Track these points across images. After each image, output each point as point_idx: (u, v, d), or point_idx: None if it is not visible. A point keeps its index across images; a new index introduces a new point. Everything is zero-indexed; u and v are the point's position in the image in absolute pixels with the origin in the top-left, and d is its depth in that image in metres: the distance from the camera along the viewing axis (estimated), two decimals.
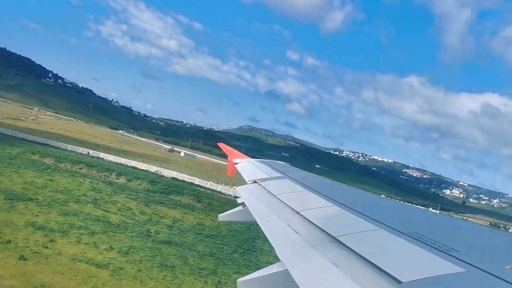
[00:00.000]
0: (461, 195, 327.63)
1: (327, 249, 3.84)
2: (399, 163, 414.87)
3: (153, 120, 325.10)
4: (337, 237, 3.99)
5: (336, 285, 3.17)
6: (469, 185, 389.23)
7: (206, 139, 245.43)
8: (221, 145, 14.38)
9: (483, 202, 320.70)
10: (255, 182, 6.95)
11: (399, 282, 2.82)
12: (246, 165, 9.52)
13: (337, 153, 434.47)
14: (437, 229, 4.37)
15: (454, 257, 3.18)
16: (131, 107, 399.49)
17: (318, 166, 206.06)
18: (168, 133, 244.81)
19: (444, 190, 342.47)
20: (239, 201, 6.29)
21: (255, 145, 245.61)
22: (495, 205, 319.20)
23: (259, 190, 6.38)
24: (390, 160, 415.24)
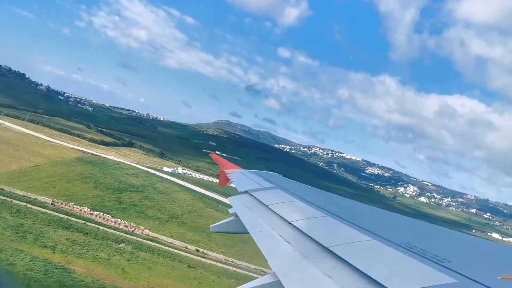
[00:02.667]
0: (414, 193, 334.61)
1: (319, 260, 3.85)
2: (366, 161, 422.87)
3: (79, 105, 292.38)
4: (329, 248, 4.00)
5: None
6: (433, 184, 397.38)
7: (134, 128, 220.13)
8: (213, 156, 14.20)
9: (433, 200, 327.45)
10: (247, 192, 6.95)
11: None
12: (238, 176, 9.55)
13: (306, 149, 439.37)
14: (429, 240, 4.40)
15: (447, 267, 3.20)
16: (48, 86, 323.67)
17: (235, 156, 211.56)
18: (92, 119, 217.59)
19: (398, 188, 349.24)
20: (230, 211, 6.27)
21: (188, 134, 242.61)
22: (444, 204, 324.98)
23: (251, 200, 6.37)
24: (358, 158, 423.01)
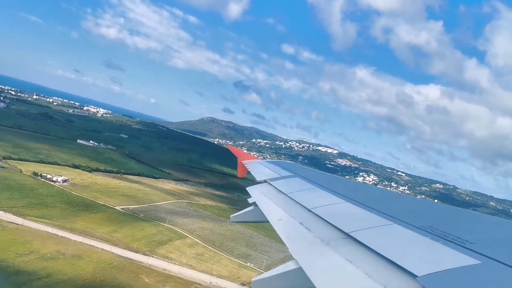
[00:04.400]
0: (371, 182, 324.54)
1: (340, 246, 3.88)
2: (340, 153, 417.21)
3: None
4: (350, 233, 4.03)
5: (351, 281, 3.22)
6: (406, 174, 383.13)
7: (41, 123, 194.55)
8: (231, 147, 14.74)
9: (391, 187, 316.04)
10: (266, 181, 7.05)
11: (415, 276, 2.86)
12: (256, 166, 9.69)
13: (282, 143, 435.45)
14: (450, 222, 4.31)
15: (469, 249, 3.19)
16: None
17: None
18: None
19: (358, 177, 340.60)
20: (250, 201, 6.38)
21: (105, 127, 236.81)
22: (399, 191, 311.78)
23: (270, 189, 6.45)
24: (334, 151, 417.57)
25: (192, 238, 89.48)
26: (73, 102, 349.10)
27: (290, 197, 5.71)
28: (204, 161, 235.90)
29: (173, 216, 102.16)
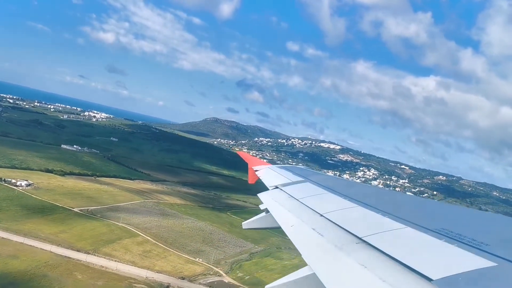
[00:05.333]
0: (371, 176, 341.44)
1: (354, 251, 3.97)
2: (344, 148, 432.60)
3: None
4: (363, 238, 4.12)
5: (366, 286, 3.29)
6: (410, 167, 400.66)
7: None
8: (241, 153, 14.63)
9: (391, 180, 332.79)
10: (277, 187, 7.10)
11: (430, 280, 2.93)
12: (266, 172, 9.74)
13: (284, 141, 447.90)
14: (464, 224, 4.41)
15: (485, 251, 3.27)
16: None
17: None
18: None
19: (357, 172, 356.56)
20: (262, 207, 6.43)
21: (96, 132, 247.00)
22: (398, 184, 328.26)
23: (281, 195, 6.51)
24: (337, 147, 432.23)
25: (144, 236, 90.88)
26: (75, 108, 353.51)
27: (301, 203, 5.77)
28: (194, 161, 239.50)
29: (132, 215, 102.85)
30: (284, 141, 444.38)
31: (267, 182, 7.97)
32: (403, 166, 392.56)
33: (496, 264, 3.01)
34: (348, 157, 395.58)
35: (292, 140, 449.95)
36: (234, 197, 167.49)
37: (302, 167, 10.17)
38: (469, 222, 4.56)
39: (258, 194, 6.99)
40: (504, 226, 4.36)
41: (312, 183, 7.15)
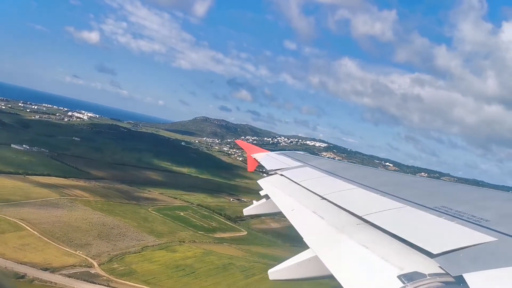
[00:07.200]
0: None
1: (354, 232, 4.14)
2: (329, 145, 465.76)
3: None
4: (363, 216, 4.32)
5: (368, 267, 3.40)
6: (395, 164, 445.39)
7: None
8: (239, 142, 14.66)
9: None
10: (276, 173, 7.23)
11: (431, 255, 3.08)
12: (266, 158, 9.96)
13: (270, 139, 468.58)
14: (464, 201, 4.62)
15: (485, 227, 3.46)
16: None
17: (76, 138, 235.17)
18: None
19: None
20: (262, 193, 6.51)
21: (61, 132, 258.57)
22: None
23: (281, 180, 6.63)
24: (322, 145, 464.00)
25: (30, 230, 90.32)
26: (61, 108, 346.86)
27: (301, 186, 5.91)
28: (154, 159, 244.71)
29: (32, 211, 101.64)
30: (270, 139, 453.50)
31: (266, 167, 8.15)
32: (387, 164, 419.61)
33: (496, 239, 3.17)
34: (331, 155, 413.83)
35: (278, 138, 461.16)
36: (168, 193, 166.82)
37: (301, 152, 10.43)
38: (469, 199, 4.82)
39: (258, 181, 7.04)
40: (503, 202, 4.66)
41: (311, 167, 7.35)
